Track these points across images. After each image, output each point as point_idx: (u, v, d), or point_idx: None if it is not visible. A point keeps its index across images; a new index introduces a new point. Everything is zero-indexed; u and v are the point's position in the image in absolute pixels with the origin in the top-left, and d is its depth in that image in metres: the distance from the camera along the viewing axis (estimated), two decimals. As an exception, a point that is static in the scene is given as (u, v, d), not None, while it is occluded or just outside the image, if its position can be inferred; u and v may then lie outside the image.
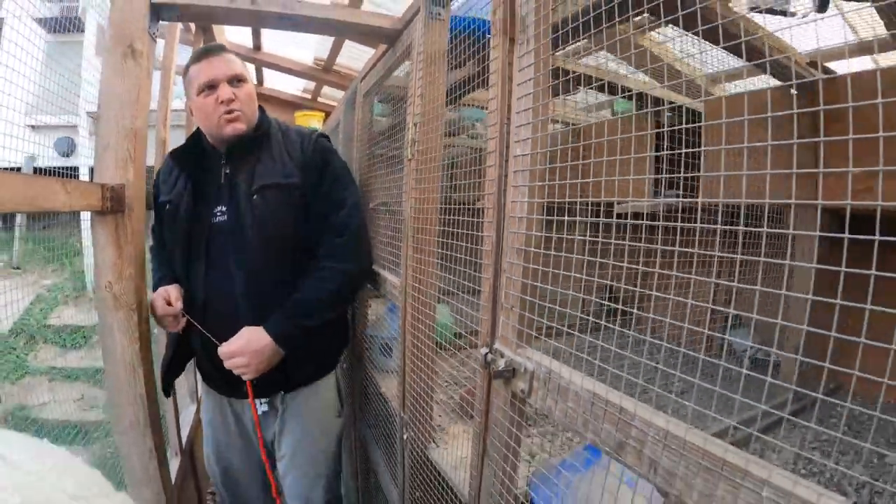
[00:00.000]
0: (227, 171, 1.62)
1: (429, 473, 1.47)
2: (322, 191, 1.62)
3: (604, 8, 0.79)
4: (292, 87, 4.67)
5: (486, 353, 0.97)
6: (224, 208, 1.60)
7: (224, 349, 1.50)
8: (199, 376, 1.95)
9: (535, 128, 0.90)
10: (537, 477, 1.16)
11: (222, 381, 1.66)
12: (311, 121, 4.55)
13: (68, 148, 9.16)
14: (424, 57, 1.38)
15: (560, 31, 0.90)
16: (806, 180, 1.46)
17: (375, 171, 2.05)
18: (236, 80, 1.58)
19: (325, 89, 4.52)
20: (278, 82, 4.54)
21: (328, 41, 3.43)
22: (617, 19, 0.83)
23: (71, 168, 7.01)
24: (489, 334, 0.99)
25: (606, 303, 0.93)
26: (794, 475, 0.51)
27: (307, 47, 3.70)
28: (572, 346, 0.87)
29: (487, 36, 1.28)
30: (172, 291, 1.59)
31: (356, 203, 1.66)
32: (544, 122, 0.90)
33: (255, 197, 1.56)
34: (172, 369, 1.73)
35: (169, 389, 1.75)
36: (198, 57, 1.60)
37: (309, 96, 4.75)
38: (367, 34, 1.84)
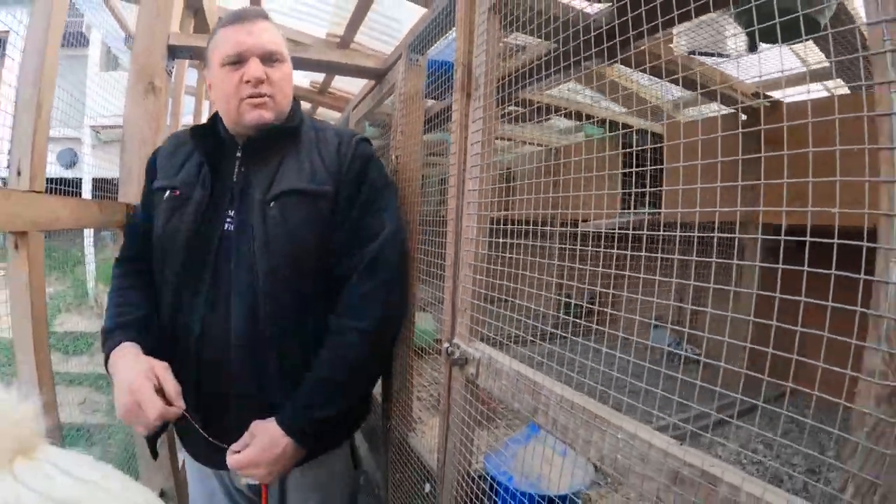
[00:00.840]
0: (242, 168, 1.26)
1: (408, 457, 1.69)
2: (352, 215, 1.26)
3: (552, 55, 1.02)
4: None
5: (447, 347, 1.21)
6: (233, 214, 1.24)
7: (235, 461, 1.13)
8: (178, 439, 1.52)
9: (483, 167, 1.14)
10: (491, 451, 1.39)
11: (214, 454, 1.20)
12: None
13: (71, 160, 9.42)
14: (405, 98, 1.63)
15: (505, 89, 1.14)
16: (750, 196, 1.70)
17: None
18: (272, 58, 1.24)
19: (321, 110, 4.75)
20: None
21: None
22: (562, 65, 1.03)
23: (75, 179, 7.25)
24: (450, 332, 1.22)
25: (556, 312, 1.17)
26: (638, 423, 0.74)
27: (303, 71, 3.93)
28: (534, 352, 1.12)
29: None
30: (167, 378, 1.10)
31: (395, 232, 1.27)
32: (491, 163, 1.15)
33: (270, 205, 1.20)
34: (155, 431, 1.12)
35: (156, 451, 1.25)
36: (230, 20, 1.26)
37: (306, 115, 4.96)
38: (358, 73, 2.09)
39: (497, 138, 1.26)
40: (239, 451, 1.13)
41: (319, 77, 3.93)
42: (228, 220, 1.23)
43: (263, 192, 1.22)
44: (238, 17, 1.25)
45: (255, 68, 1.20)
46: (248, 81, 1.21)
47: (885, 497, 0.49)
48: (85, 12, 3.57)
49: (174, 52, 1.89)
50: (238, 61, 1.21)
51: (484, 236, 1.12)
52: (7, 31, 2.29)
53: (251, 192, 1.23)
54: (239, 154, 1.27)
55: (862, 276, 0.53)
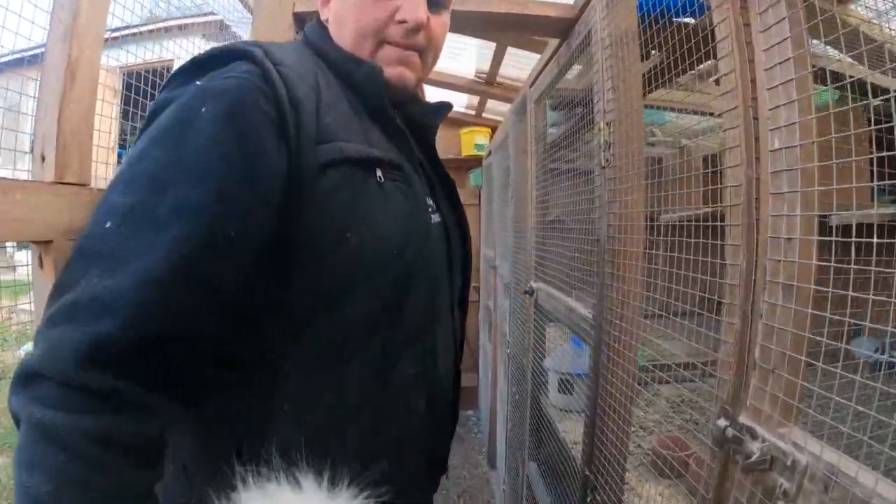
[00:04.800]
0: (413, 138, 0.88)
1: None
2: None
3: None
4: (457, 103, 4.63)
5: (726, 427, 0.69)
6: (433, 204, 0.89)
7: None
8: None
9: (801, 107, 0.62)
10: None
11: None
12: (478, 137, 4.47)
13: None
14: (612, 40, 1.14)
15: None
16: None
17: (552, 184, 1.82)
18: (437, 2, 0.88)
19: (490, 104, 4.41)
20: (442, 99, 4.51)
21: (489, 51, 3.30)
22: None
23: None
24: (730, 401, 0.70)
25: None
26: None
27: (468, 59, 3.60)
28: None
29: (675, 19, 1.01)
30: None
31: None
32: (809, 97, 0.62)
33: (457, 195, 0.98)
34: None
35: None
36: None
37: (473, 112, 4.69)
38: (534, 27, 1.62)
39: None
40: None
41: (485, 66, 3.57)
42: (431, 209, 0.88)
43: (447, 176, 0.98)
44: None
45: (417, 6, 0.83)
46: (402, 21, 0.83)
47: None
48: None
49: (301, 20, 1.57)
50: None
51: (815, 235, 0.59)
52: None
53: (439, 170, 0.97)
54: (398, 119, 0.86)
55: None
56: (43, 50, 0.90)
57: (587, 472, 1.26)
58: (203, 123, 0.63)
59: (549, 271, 1.67)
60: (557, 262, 1.58)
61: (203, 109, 0.63)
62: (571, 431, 1.70)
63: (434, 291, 0.83)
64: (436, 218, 0.88)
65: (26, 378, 0.53)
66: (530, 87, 2.04)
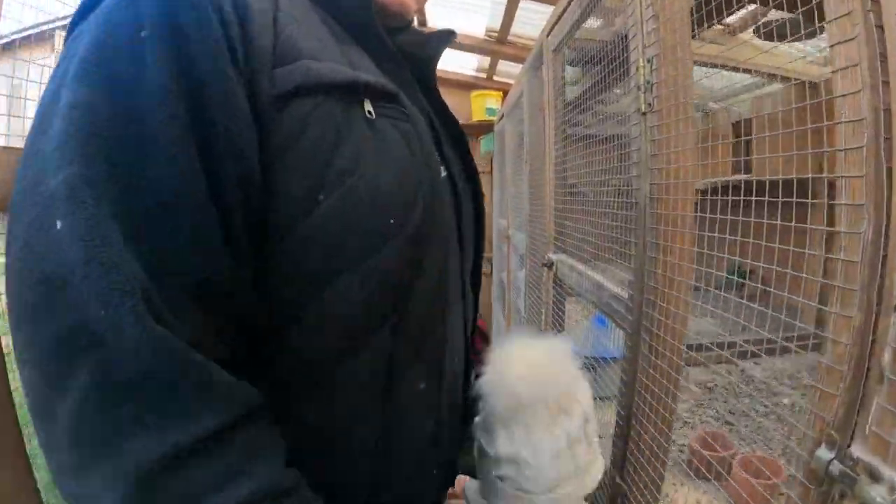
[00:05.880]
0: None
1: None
2: None
3: None
4: (466, 66, 4.37)
5: (831, 461, 0.50)
6: (438, 153, 0.67)
7: None
8: None
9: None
10: None
11: None
12: (489, 101, 4.22)
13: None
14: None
15: None
16: None
17: (570, 147, 1.60)
18: None
19: (501, 66, 4.15)
20: (450, 62, 4.26)
21: (500, 6, 3.06)
22: None
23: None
24: (838, 424, 0.51)
25: None
26: None
27: (478, 13, 3.35)
28: None
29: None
30: None
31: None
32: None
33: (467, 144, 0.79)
34: None
35: None
36: None
37: (484, 75, 4.42)
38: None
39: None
40: None
41: (496, 23, 3.32)
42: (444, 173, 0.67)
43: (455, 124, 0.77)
44: None
45: None
46: None
47: None
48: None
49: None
50: None
51: None
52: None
53: (447, 119, 0.75)
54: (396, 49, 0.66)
55: None
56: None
57: (618, 480, 1.08)
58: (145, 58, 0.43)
59: (572, 241, 1.47)
60: (582, 231, 1.37)
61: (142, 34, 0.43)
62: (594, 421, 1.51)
63: (444, 273, 0.62)
64: (442, 171, 0.66)
65: None
66: (547, 35, 1.81)
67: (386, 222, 0.53)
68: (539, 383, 0.60)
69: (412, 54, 0.72)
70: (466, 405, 0.73)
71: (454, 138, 0.75)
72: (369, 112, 0.54)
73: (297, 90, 0.49)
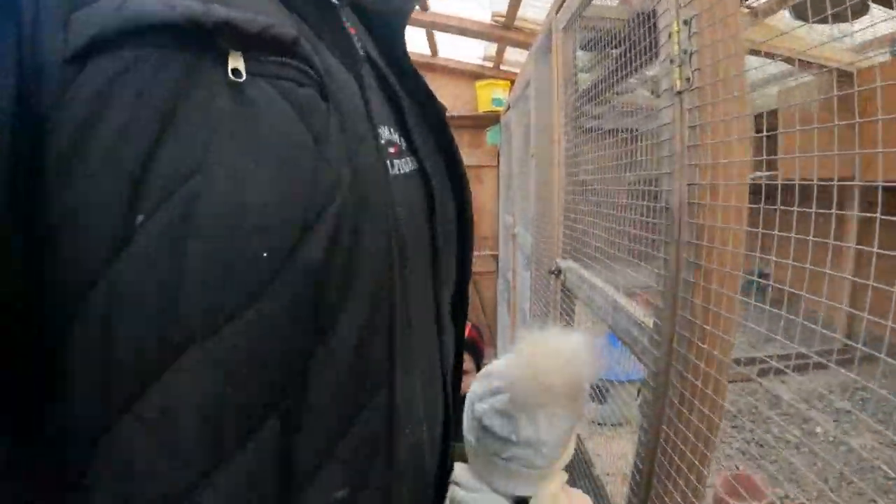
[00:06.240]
0: (363, 48, 0.49)
1: None
2: None
3: None
4: (472, 54, 4.17)
5: None
6: (395, 137, 0.48)
7: None
8: None
9: None
10: None
11: None
12: (496, 90, 4.02)
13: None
14: None
15: None
16: None
17: (581, 139, 1.41)
18: None
19: (508, 54, 3.95)
20: (454, 49, 4.07)
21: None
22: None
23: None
24: None
25: None
26: None
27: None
28: None
29: None
30: None
31: None
32: None
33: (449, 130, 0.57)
34: None
35: None
36: None
37: (491, 64, 4.22)
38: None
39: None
40: None
41: (503, 7, 3.12)
42: (390, 145, 0.47)
43: (427, 97, 0.55)
44: None
45: None
46: None
47: None
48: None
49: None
50: None
51: None
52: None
53: (414, 89, 0.54)
54: (346, 20, 0.48)
55: None
56: None
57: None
58: None
59: (584, 247, 1.27)
60: (597, 238, 1.17)
61: None
62: (603, 454, 1.33)
63: (390, 310, 0.42)
64: (405, 164, 0.48)
65: None
66: (557, 12, 1.61)
67: (258, 255, 0.33)
68: (569, 376, 0.64)
69: (376, 11, 0.53)
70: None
71: (431, 121, 0.55)
72: (235, 71, 0.33)
73: (91, 44, 0.29)
